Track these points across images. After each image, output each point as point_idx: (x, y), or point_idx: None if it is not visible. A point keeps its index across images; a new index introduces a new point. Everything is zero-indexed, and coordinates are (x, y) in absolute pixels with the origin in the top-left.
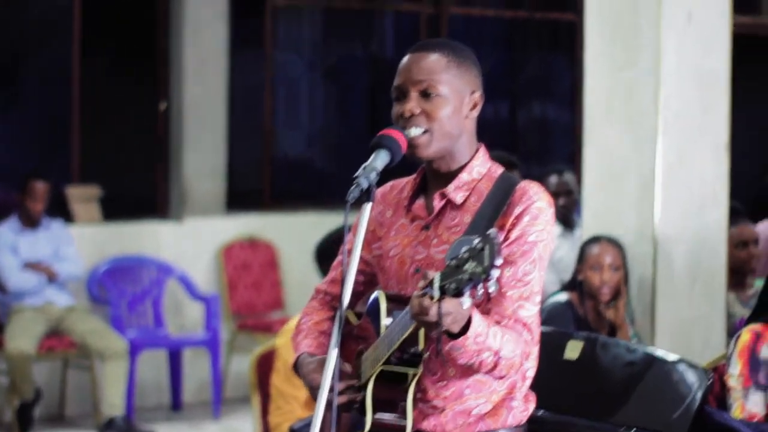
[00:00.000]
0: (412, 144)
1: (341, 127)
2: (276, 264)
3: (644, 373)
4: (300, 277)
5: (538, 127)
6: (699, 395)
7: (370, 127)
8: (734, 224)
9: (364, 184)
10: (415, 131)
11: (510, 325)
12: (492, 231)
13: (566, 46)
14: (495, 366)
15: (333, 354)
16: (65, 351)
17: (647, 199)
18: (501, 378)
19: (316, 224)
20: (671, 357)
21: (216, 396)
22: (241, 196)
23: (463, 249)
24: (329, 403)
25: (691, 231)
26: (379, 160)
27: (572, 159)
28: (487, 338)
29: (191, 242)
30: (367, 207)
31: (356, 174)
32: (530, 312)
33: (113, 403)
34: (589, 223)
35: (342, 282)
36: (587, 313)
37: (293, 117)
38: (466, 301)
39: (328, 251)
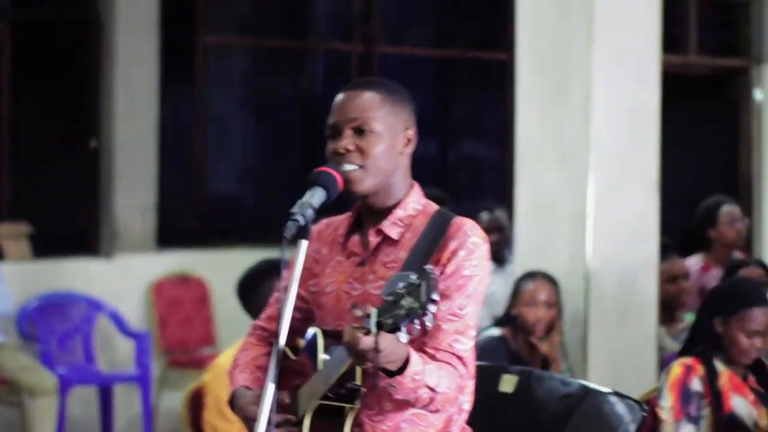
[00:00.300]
0: (347, 179)
1: (272, 164)
2: (207, 300)
3: (579, 406)
4: (231, 314)
5: (469, 165)
6: (632, 428)
7: (302, 165)
8: (665, 259)
9: (301, 221)
10: (348, 167)
11: (445, 358)
12: (429, 267)
13: (497, 84)
14: (431, 401)
15: (270, 388)
16: None
17: (579, 234)
18: (436, 412)
19: (247, 261)
20: (606, 390)
21: None
22: (172, 233)
23: (400, 284)
24: None
25: (622, 266)
26: (316, 197)
27: (503, 196)
28: (424, 376)
29: (122, 279)
30: (304, 244)
31: (292, 210)
32: (466, 346)
33: None
34: (522, 258)
35: (279, 317)
36: (520, 347)
37: (224, 154)
38: (403, 336)
39: (249, 286)
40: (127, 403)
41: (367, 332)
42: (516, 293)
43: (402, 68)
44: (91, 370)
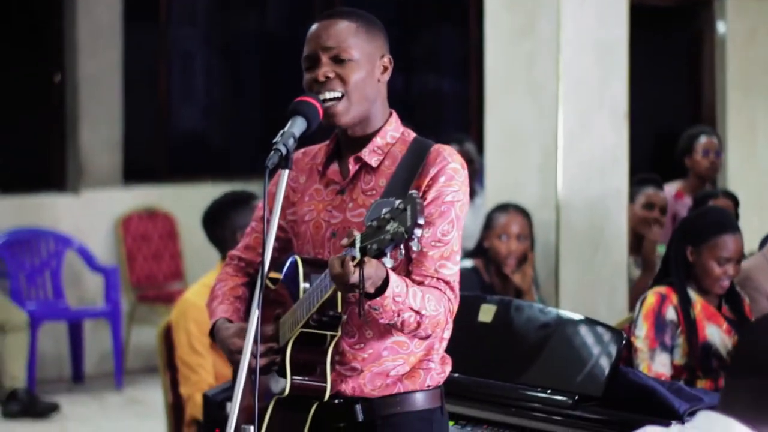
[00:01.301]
0: (329, 113)
1: (235, 100)
2: (175, 235)
3: (558, 335)
4: (199, 248)
5: (432, 99)
6: (614, 355)
7: (264, 101)
8: (648, 186)
9: (283, 151)
10: (330, 94)
11: (433, 283)
12: (413, 192)
13: (459, 17)
14: (419, 325)
15: (255, 316)
16: None
17: (549, 166)
18: (427, 337)
19: (213, 195)
20: (584, 318)
21: (118, 367)
22: (138, 169)
23: (384, 210)
24: (250, 367)
25: (592, 197)
26: (296, 126)
27: (467, 129)
28: (406, 298)
29: (89, 214)
30: (285, 174)
31: (274, 140)
32: (452, 271)
33: (15, 376)
34: (492, 191)
35: (256, 247)
36: (493, 279)
37: (188, 90)
38: (388, 261)
39: (215, 218)
40: (96, 338)
41: (352, 258)
42: (488, 225)
43: (363, 3)
44: (61, 305)
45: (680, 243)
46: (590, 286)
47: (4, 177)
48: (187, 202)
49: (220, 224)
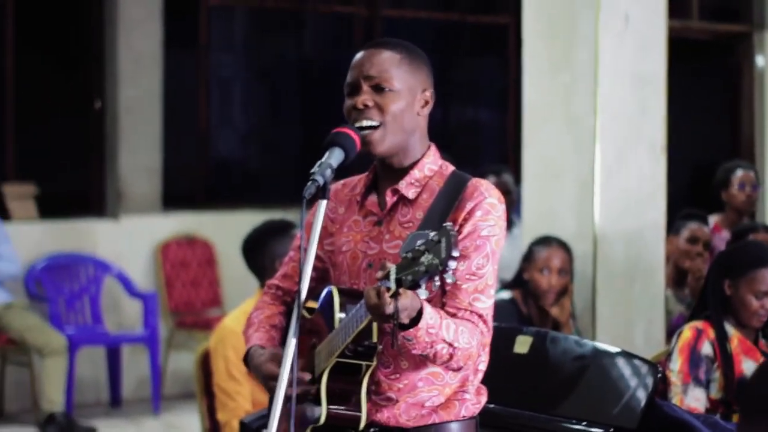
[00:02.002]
0: (365, 141)
1: (275, 126)
2: (213, 262)
3: (594, 367)
4: (237, 275)
5: (470, 129)
6: (650, 388)
7: (303, 127)
8: (692, 221)
9: (320, 181)
10: (367, 122)
11: (466, 316)
12: (448, 224)
13: (498, 48)
14: (451, 357)
15: (292, 344)
16: (3, 347)
17: (587, 199)
18: (458, 369)
19: (252, 222)
20: (620, 351)
21: (155, 392)
22: (176, 195)
23: (419, 242)
24: (286, 395)
25: (629, 230)
26: (334, 157)
27: (504, 160)
28: (440, 330)
29: (128, 240)
30: (323, 204)
31: (312, 171)
32: (485, 304)
33: (53, 400)
34: (529, 222)
35: (294, 276)
36: (531, 311)
37: (227, 116)
38: (423, 293)
39: (254, 246)
40: (134, 363)
41: (387, 289)
42: (529, 258)
43: (404, 32)
44: (99, 330)
45: (718, 276)
46: (627, 318)
47: (45, 202)
48: (225, 229)
49: (260, 252)
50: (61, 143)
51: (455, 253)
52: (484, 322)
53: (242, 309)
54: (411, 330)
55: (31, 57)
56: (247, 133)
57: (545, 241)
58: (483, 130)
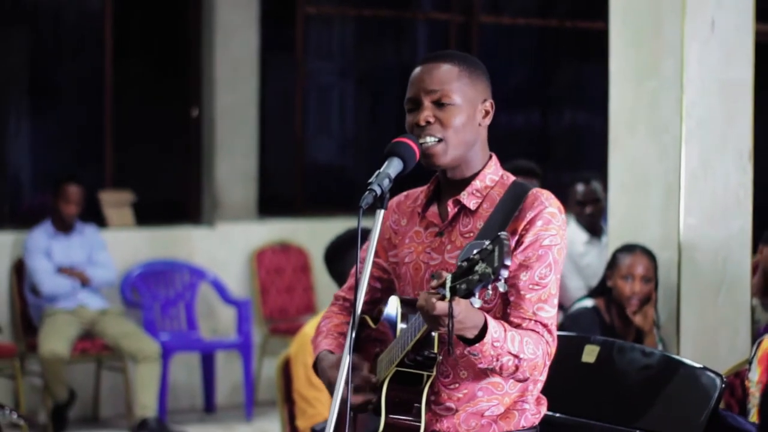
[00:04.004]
0: (427, 153)
1: (372, 133)
2: (308, 269)
3: (659, 377)
4: (331, 283)
5: (570, 135)
6: (714, 398)
7: (400, 134)
8: None
9: (378, 191)
10: (430, 139)
11: (530, 326)
12: (502, 233)
13: (597, 54)
14: (517, 368)
15: (347, 354)
16: (98, 353)
17: (672, 206)
18: (525, 380)
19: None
20: (687, 361)
21: (248, 399)
22: (272, 202)
23: (474, 251)
24: (345, 403)
25: (715, 238)
26: (392, 167)
27: (604, 167)
28: (505, 342)
29: (224, 247)
30: (380, 214)
31: (369, 180)
32: (549, 314)
33: (146, 405)
34: (615, 230)
35: (355, 287)
36: (614, 319)
37: (324, 123)
38: (476, 301)
39: (335, 253)
40: (228, 369)
41: (442, 297)
42: (613, 265)
43: (501, 38)
44: (193, 336)
45: None
46: (712, 328)
47: (142, 209)
48: (320, 236)
49: (340, 259)
50: (158, 150)
51: (507, 262)
52: (549, 331)
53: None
54: (476, 345)
55: (129, 63)
56: (343, 140)
57: (629, 248)
58: (583, 135)
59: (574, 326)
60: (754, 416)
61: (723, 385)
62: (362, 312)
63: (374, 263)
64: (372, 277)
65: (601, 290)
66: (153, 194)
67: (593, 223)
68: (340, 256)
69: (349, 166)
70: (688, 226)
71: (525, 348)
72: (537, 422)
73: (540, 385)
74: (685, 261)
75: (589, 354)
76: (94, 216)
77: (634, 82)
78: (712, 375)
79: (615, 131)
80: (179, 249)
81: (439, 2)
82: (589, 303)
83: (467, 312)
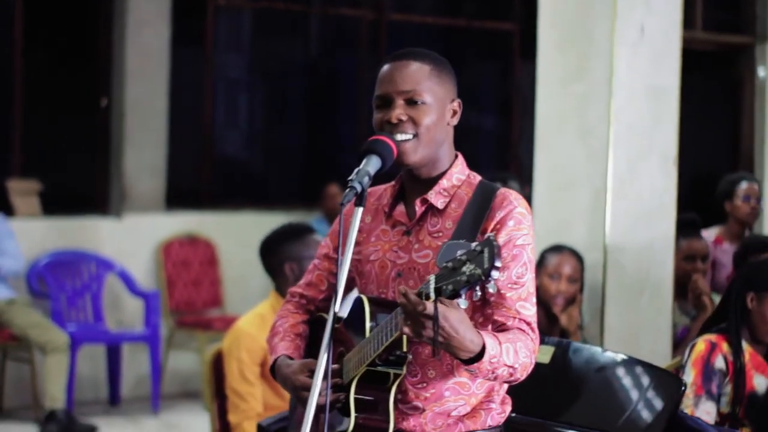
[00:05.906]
0: (398, 150)
1: (279, 127)
2: (215, 262)
3: (617, 379)
4: (239, 275)
5: (471, 135)
6: (673, 400)
7: (307, 129)
8: (687, 237)
9: (358, 188)
10: (401, 136)
11: (516, 324)
12: (490, 235)
13: (502, 55)
14: (511, 375)
15: (325, 354)
16: (5, 343)
17: (599, 208)
18: (518, 381)
19: (255, 223)
20: (643, 362)
21: (155, 391)
22: (180, 194)
23: (459, 252)
24: (316, 404)
25: (640, 241)
26: (371, 165)
27: (505, 167)
28: (501, 356)
29: (131, 238)
30: (359, 211)
31: (350, 178)
32: (530, 312)
33: (54, 396)
34: (541, 232)
35: (319, 284)
36: (540, 318)
37: (232, 117)
38: (463, 302)
39: (269, 247)
40: (135, 361)
41: (426, 298)
42: (540, 264)
43: (409, 36)
44: (100, 328)
45: (741, 289)
46: (635, 328)
47: (49, 199)
48: (228, 229)
49: (273, 254)
50: (67, 140)
51: (498, 264)
52: (533, 329)
53: (256, 312)
54: (474, 363)
55: (39, 54)
56: (251, 133)
57: (557, 248)
58: (484, 136)
59: None
60: None
61: (683, 388)
62: (319, 309)
63: (333, 260)
64: (330, 273)
65: None
66: (61, 184)
67: None
68: (272, 250)
69: (256, 159)
70: (613, 228)
71: (519, 355)
72: (503, 421)
73: (506, 386)
74: (610, 263)
75: (544, 354)
76: (1, 205)
77: (561, 85)
78: (670, 377)
79: (542, 133)
80: (87, 239)
81: None
82: None
83: (456, 316)
